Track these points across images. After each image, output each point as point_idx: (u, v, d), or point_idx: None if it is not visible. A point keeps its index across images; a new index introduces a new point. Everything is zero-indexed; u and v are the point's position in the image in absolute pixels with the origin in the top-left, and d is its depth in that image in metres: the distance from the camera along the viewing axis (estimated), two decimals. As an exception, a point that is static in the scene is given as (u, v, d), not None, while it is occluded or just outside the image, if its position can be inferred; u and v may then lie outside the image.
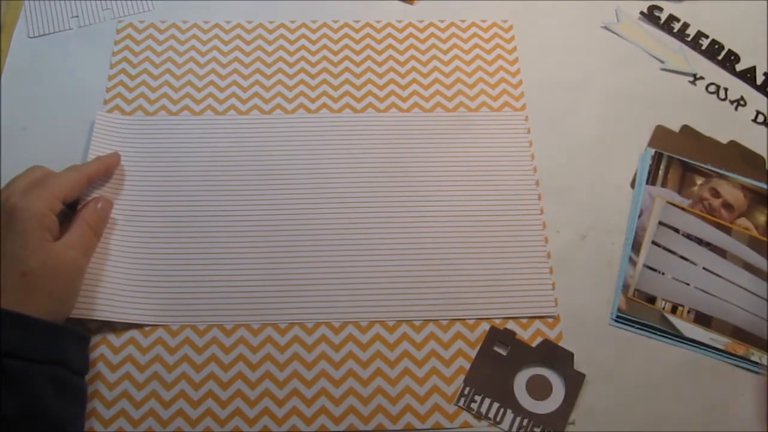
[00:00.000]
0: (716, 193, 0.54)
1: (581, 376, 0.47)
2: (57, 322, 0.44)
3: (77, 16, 0.62)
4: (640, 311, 0.50)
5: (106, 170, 0.52)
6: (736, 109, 0.59)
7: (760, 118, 0.59)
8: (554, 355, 0.48)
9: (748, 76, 0.61)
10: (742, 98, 0.60)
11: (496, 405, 0.47)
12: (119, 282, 0.50)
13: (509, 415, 0.46)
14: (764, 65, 0.61)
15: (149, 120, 0.57)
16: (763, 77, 0.61)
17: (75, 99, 0.57)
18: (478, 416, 0.46)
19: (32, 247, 0.43)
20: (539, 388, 0.47)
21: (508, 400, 0.47)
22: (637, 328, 0.50)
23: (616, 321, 0.50)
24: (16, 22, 0.62)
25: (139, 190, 0.53)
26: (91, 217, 0.49)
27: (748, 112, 0.59)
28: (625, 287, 0.51)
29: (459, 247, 0.52)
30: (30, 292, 0.42)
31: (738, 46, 0.62)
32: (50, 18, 0.62)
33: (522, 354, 0.48)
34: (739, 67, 0.61)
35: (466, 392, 0.47)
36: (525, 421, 0.46)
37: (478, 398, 0.47)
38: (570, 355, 0.48)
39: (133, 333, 0.49)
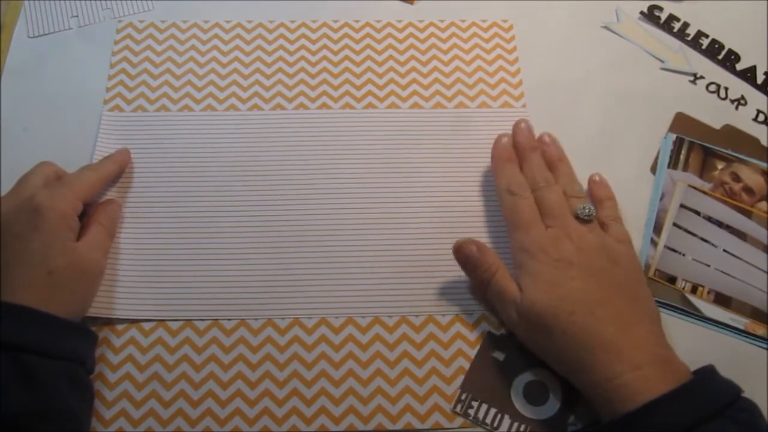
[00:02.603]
0: (737, 178, 0.55)
1: (580, 380, 0.47)
2: (75, 320, 0.44)
3: (77, 16, 0.62)
4: (661, 291, 0.51)
5: (120, 169, 0.53)
6: (736, 108, 0.59)
7: (761, 117, 0.59)
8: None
9: (748, 75, 0.61)
10: (742, 97, 0.60)
11: (493, 411, 0.47)
12: (122, 279, 0.50)
13: (506, 420, 0.46)
14: (764, 65, 0.61)
15: (155, 117, 0.57)
16: (764, 76, 0.61)
17: (75, 99, 0.57)
18: (476, 422, 0.46)
19: (58, 246, 0.44)
20: (537, 394, 0.47)
21: (505, 406, 0.47)
22: (659, 306, 0.50)
23: None
24: (16, 22, 0.62)
25: (144, 187, 0.54)
26: (105, 219, 0.49)
27: (748, 111, 0.59)
28: (646, 267, 0.52)
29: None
30: (55, 291, 0.43)
31: (738, 46, 0.62)
32: (50, 18, 0.62)
33: (520, 359, 0.48)
34: (739, 67, 0.61)
35: (463, 398, 0.47)
36: (522, 427, 0.46)
37: (475, 404, 0.47)
38: (568, 359, 0.48)
39: (133, 333, 0.49)
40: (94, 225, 0.48)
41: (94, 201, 0.51)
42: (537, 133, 0.57)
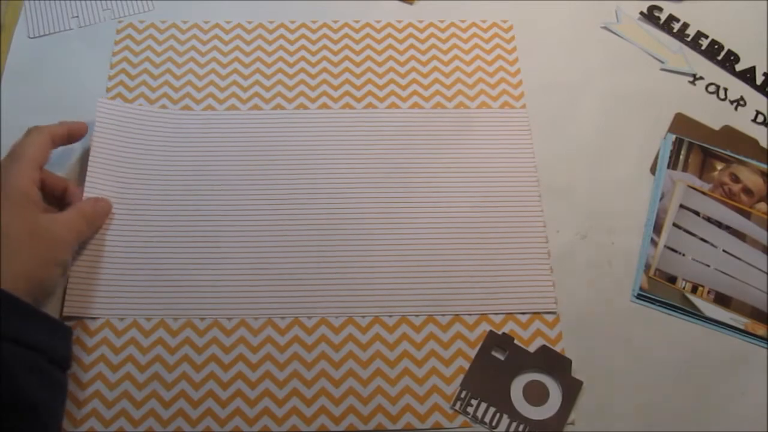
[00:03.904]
0: (736, 179, 0.55)
1: (579, 383, 0.47)
2: (49, 314, 0.43)
3: (77, 16, 0.62)
4: (662, 290, 0.51)
5: (68, 132, 0.52)
6: (735, 109, 0.59)
7: (760, 118, 0.59)
8: (552, 362, 0.48)
9: (747, 76, 0.61)
10: (741, 98, 0.60)
11: (492, 410, 0.47)
12: (122, 279, 0.50)
13: (505, 420, 0.46)
14: (764, 65, 0.61)
15: (152, 110, 0.56)
16: (763, 77, 0.61)
17: (75, 99, 0.57)
18: (474, 420, 0.46)
19: (18, 213, 0.44)
20: (536, 394, 0.47)
21: (504, 405, 0.47)
22: (659, 306, 0.50)
23: (638, 298, 0.51)
24: (16, 22, 0.62)
25: (144, 187, 0.53)
26: (86, 208, 0.50)
27: (747, 112, 0.59)
28: (647, 267, 0.52)
29: (460, 244, 0.52)
30: (12, 253, 0.42)
31: (738, 46, 0.62)
32: (50, 18, 0.62)
33: (520, 359, 0.48)
34: (738, 67, 0.61)
35: (462, 396, 0.47)
36: (521, 427, 0.46)
37: (474, 402, 0.47)
38: (568, 362, 0.48)
39: (133, 333, 0.49)
40: (71, 210, 0.49)
41: (75, 190, 0.51)
42: (536, 134, 0.57)
